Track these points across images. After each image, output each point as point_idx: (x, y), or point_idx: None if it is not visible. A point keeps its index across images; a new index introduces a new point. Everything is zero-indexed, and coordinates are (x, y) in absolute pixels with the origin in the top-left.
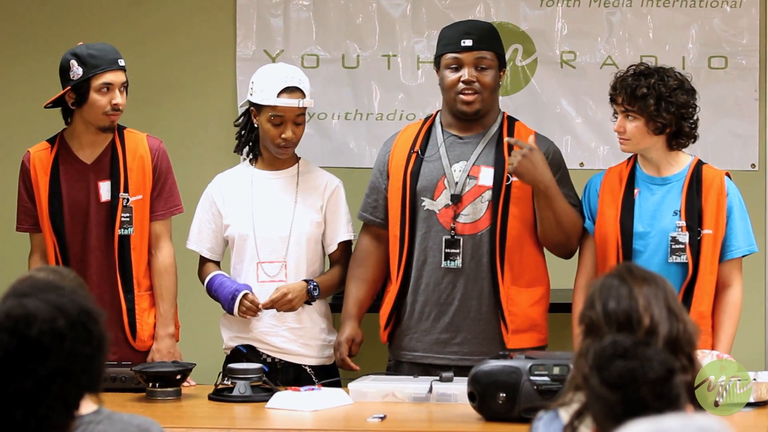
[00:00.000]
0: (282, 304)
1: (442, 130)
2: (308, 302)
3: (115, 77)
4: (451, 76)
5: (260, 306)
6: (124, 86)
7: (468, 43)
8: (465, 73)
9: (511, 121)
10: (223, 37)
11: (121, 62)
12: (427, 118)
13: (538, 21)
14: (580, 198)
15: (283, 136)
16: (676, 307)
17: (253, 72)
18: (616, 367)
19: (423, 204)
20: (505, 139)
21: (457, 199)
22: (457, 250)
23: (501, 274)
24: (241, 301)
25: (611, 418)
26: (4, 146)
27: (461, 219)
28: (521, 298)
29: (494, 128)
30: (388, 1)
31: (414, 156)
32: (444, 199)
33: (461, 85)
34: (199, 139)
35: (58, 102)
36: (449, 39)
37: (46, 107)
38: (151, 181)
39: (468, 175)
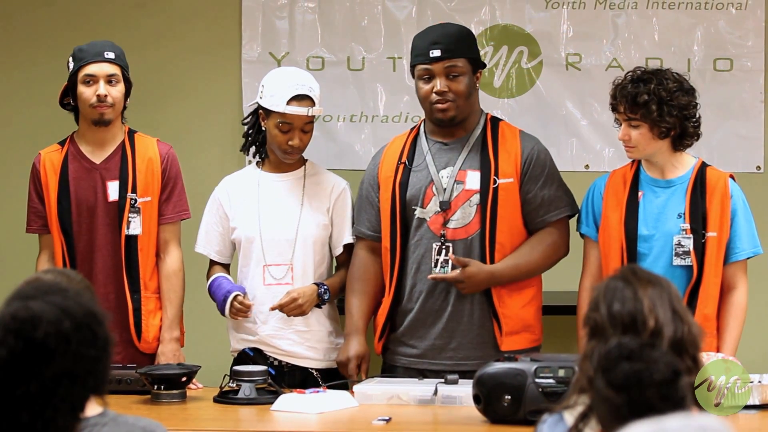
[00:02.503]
0: (291, 308)
1: (427, 138)
2: (318, 305)
3: (98, 68)
4: (424, 87)
5: (251, 307)
6: (114, 78)
7: (436, 53)
8: (437, 84)
9: (495, 122)
10: (228, 39)
11: (108, 55)
12: (412, 129)
13: (544, 23)
14: (580, 200)
15: (290, 142)
16: (681, 308)
17: (259, 74)
18: (621, 369)
19: (414, 212)
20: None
21: (446, 206)
22: (448, 257)
23: None
24: (231, 302)
25: (617, 420)
26: (11, 149)
27: (451, 225)
28: (513, 299)
29: (477, 131)
30: (394, 4)
31: (402, 167)
32: (434, 206)
33: (435, 96)
34: (204, 141)
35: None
36: (419, 49)
37: (61, 104)
38: (159, 184)
39: (455, 181)
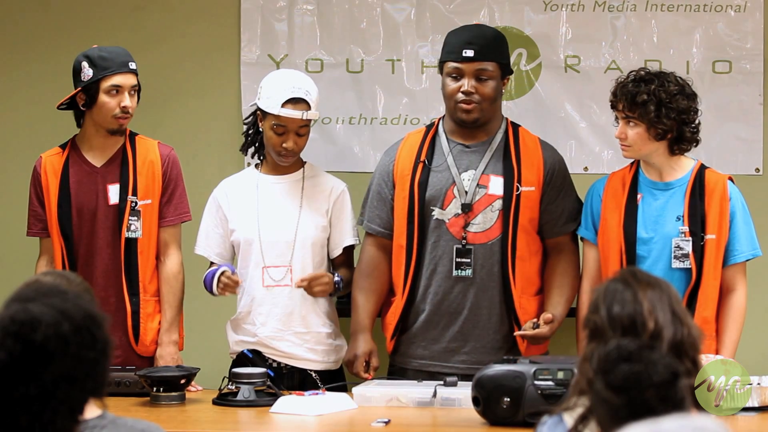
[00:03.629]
0: (317, 284)
1: (447, 138)
2: (331, 294)
3: (124, 80)
4: (451, 84)
5: (240, 282)
6: (135, 89)
7: (469, 53)
8: (465, 84)
9: (515, 127)
10: (227, 41)
11: (132, 65)
12: (429, 126)
13: (543, 25)
14: (583, 202)
15: (284, 145)
16: (681, 311)
17: (258, 76)
18: (620, 370)
19: (433, 213)
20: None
21: (468, 208)
22: (468, 260)
23: (513, 283)
24: (218, 277)
25: (616, 421)
26: (9, 150)
27: (472, 228)
28: (531, 305)
29: (499, 136)
30: (393, 6)
31: (421, 165)
32: (454, 208)
33: (460, 95)
34: (204, 144)
35: (71, 105)
36: (452, 46)
37: (59, 108)
38: (160, 187)
39: (478, 184)
